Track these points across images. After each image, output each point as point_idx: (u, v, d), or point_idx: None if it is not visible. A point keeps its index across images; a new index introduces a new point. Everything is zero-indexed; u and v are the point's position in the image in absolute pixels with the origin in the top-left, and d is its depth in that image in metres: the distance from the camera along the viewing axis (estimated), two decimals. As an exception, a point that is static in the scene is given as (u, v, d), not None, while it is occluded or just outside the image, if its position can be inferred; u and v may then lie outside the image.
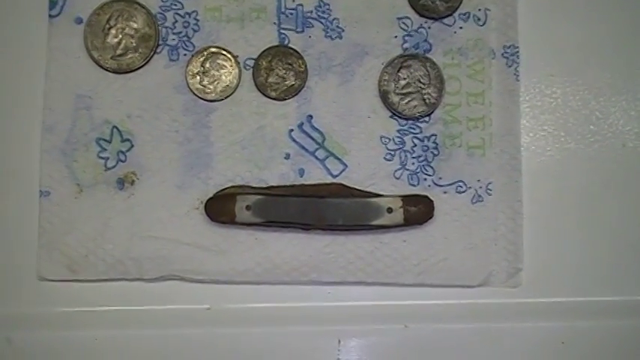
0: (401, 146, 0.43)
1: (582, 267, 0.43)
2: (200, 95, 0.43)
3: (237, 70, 0.43)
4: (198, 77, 0.43)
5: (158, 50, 0.43)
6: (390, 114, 0.43)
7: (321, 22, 0.43)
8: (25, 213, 0.42)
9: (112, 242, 0.42)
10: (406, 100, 0.43)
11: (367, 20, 0.43)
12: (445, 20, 0.43)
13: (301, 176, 0.43)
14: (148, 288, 0.42)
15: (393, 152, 0.43)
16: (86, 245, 0.42)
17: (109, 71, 0.43)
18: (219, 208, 0.41)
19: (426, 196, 0.42)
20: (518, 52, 0.43)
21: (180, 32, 0.43)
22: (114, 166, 0.43)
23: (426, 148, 0.43)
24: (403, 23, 0.44)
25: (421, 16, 0.43)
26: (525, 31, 0.43)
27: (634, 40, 0.44)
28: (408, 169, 0.43)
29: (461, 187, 0.43)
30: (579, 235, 0.43)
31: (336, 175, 0.43)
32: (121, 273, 0.42)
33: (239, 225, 0.42)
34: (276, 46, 0.43)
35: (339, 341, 0.42)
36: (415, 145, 0.43)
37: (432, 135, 0.43)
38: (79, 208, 0.42)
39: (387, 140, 0.43)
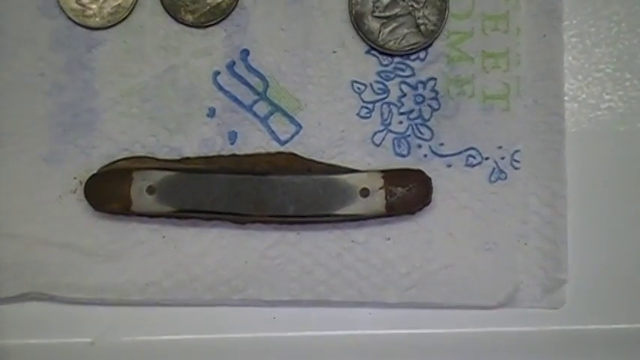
0: (383, 96, 0.37)
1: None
2: (78, 20, 0.37)
3: (134, -18, 0.37)
4: (74, -8, 0.37)
5: (14, -47, 0.37)
6: (367, 48, 0.37)
7: None
8: None
9: (-53, 244, 0.37)
10: (391, 27, 0.37)
11: None
12: None
13: (232, 143, 0.37)
14: (3, 312, 0.37)
15: (370, 106, 0.37)
16: None
17: (-62, -14, 0.37)
18: (108, 190, 0.36)
19: (421, 171, 0.37)
20: (560, -51, 0.38)
21: None
22: (-52, 130, 0.37)
23: (420, 98, 0.37)
24: None
25: None
26: None
27: None
28: (393, 132, 0.37)
29: (473, 157, 0.37)
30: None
31: (286, 141, 0.37)
32: (-40, 289, 0.37)
33: (138, 216, 0.37)
34: (193, -57, 0.37)
35: (290, 390, 0.36)
36: (404, 95, 0.37)
37: (430, 79, 0.37)
38: None
39: (362, 87, 0.37)
